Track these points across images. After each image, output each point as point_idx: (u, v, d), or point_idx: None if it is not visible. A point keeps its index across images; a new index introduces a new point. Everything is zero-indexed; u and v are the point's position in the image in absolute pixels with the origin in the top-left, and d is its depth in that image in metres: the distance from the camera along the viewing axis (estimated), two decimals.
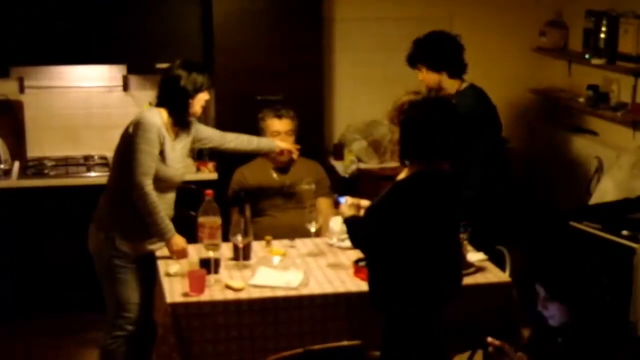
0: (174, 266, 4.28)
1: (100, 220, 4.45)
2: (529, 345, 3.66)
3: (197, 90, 4.43)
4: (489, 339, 3.36)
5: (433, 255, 3.49)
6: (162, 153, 4.36)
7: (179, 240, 4.40)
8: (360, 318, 4.02)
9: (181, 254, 4.39)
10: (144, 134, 4.29)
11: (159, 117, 4.38)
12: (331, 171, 5.92)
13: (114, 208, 4.42)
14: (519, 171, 6.40)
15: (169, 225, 4.37)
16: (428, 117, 3.46)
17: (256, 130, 5.32)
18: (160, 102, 4.46)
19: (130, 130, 4.35)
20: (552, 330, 3.45)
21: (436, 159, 3.49)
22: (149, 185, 4.29)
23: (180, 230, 4.48)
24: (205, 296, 4.00)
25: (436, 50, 5.00)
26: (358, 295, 4.00)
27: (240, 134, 4.93)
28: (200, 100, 4.47)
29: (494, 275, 4.30)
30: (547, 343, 3.47)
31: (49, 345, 5.37)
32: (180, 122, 4.48)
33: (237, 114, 5.79)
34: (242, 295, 4.02)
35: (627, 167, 5.38)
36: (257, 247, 4.56)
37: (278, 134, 5.22)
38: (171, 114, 4.43)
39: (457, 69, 5.01)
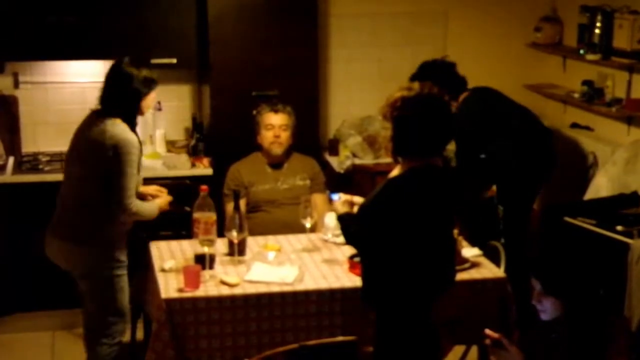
0: (169, 262, 4.28)
1: (89, 236, 4.31)
2: (523, 340, 3.67)
3: (149, 89, 4.31)
4: (487, 331, 3.37)
5: (426, 251, 3.49)
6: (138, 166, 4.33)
7: (162, 204, 4.49)
8: (355, 314, 4.02)
9: (167, 205, 4.52)
10: (128, 157, 4.21)
11: (131, 133, 4.27)
12: (326, 167, 5.92)
13: (106, 223, 4.31)
14: None
15: (152, 206, 4.41)
16: (420, 114, 3.46)
17: (251, 125, 5.32)
18: (109, 108, 4.29)
19: (111, 153, 4.20)
20: (545, 325, 3.46)
21: (429, 155, 3.49)
22: (135, 203, 4.27)
23: (175, 226, 4.48)
24: (200, 292, 4.00)
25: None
26: (353, 290, 4.00)
27: None
28: (151, 100, 4.36)
29: (489, 270, 4.31)
30: (541, 338, 3.48)
31: (41, 340, 5.36)
32: (133, 127, 4.32)
33: (232, 109, 5.79)
34: (237, 290, 4.02)
35: (622, 163, 5.39)
36: (252, 242, 4.56)
37: (272, 127, 5.22)
38: (125, 120, 4.29)
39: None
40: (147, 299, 4.47)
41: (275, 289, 4.04)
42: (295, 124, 5.30)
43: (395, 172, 3.55)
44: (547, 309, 3.43)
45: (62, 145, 6.04)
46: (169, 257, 4.38)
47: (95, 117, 4.34)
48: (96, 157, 4.26)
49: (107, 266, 4.34)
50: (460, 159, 5.34)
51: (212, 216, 4.33)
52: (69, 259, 4.38)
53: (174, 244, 4.59)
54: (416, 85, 3.51)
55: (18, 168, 5.70)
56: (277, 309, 4.02)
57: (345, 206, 3.79)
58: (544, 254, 5.18)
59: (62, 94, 6.05)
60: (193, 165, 5.80)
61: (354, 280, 4.08)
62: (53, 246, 4.43)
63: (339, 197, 3.87)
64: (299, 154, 5.36)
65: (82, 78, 6.04)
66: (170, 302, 3.95)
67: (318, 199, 5.18)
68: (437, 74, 5.26)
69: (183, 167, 5.76)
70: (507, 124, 5.43)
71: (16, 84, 5.96)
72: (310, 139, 5.83)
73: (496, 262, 4.55)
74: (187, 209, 4.75)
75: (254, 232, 4.69)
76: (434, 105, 3.50)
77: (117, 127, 4.25)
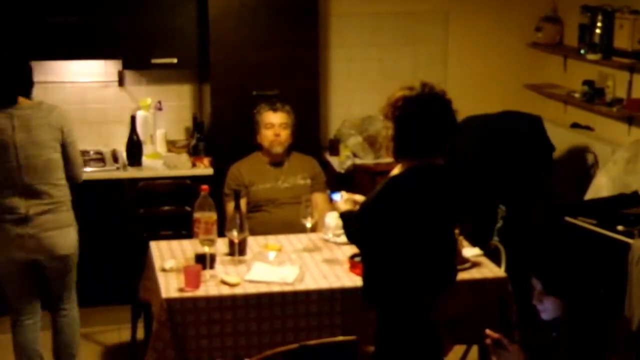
0: (170, 261, 4.28)
1: (65, 215, 4.53)
2: (523, 340, 3.67)
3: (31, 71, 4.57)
4: (488, 331, 3.36)
5: (427, 251, 3.49)
6: None
7: None
8: (355, 313, 4.03)
9: None
10: (72, 125, 4.51)
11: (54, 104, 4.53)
12: (326, 167, 5.92)
13: (70, 197, 4.56)
14: None
15: None
16: (422, 113, 3.46)
17: (252, 125, 5.32)
18: (13, 94, 4.42)
19: (60, 127, 4.42)
20: (545, 325, 3.46)
21: (430, 155, 3.49)
22: None
23: (176, 225, 4.46)
24: (201, 291, 4.00)
25: None
26: (353, 290, 4.01)
27: None
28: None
29: (490, 270, 4.31)
30: (541, 337, 3.48)
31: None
32: None
33: (233, 109, 5.79)
34: (238, 290, 4.02)
35: (622, 163, 5.39)
36: (252, 242, 4.56)
37: (272, 126, 5.23)
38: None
39: None
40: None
41: (276, 288, 4.04)
42: (295, 122, 5.30)
43: (395, 170, 3.55)
44: (547, 308, 3.43)
45: None
46: (169, 256, 4.38)
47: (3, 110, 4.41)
48: (53, 140, 4.42)
49: (77, 240, 4.57)
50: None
51: (213, 216, 4.33)
52: (43, 247, 4.48)
53: (175, 243, 4.59)
54: (417, 84, 3.50)
55: None
56: (278, 308, 4.02)
57: (348, 204, 3.79)
58: (544, 254, 5.18)
59: (62, 94, 6.04)
60: (193, 165, 5.80)
61: (355, 280, 4.08)
62: (18, 241, 4.48)
63: (340, 196, 3.88)
64: (299, 154, 5.36)
65: (83, 78, 6.05)
66: (170, 301, 3.95)
67: (319, 198, 5.17)
68: None
69: (183, 166, 5.76)
70: (501, 139, 5.46)
71: None
72: (310, 138, 5.83)
73: (497, 261, 4.55)
74: (188, 208, 4.74)
75: (254, 232, 4.69)
76: (435, 105, 3.49)
77: (45, 105, 4.46)
